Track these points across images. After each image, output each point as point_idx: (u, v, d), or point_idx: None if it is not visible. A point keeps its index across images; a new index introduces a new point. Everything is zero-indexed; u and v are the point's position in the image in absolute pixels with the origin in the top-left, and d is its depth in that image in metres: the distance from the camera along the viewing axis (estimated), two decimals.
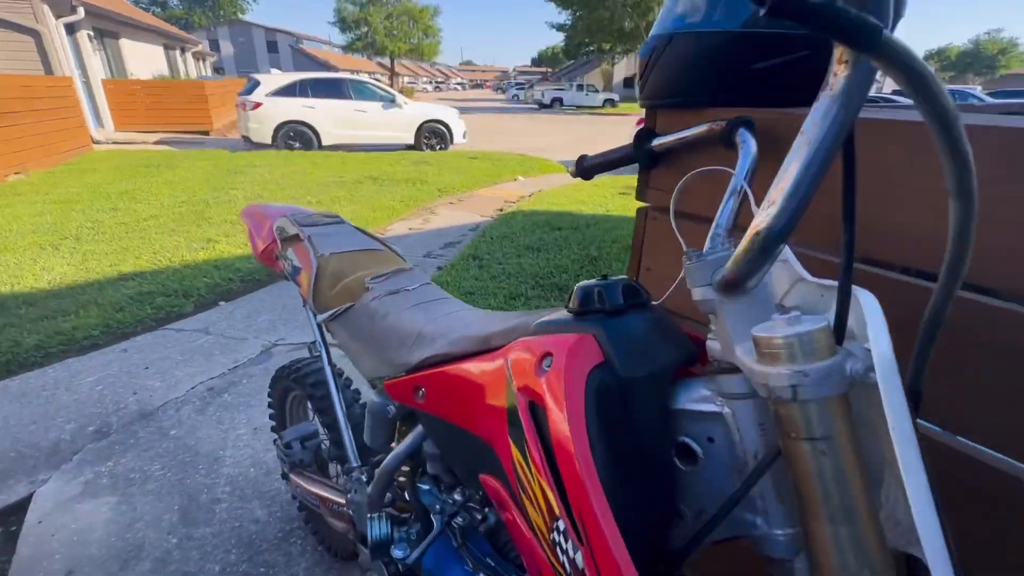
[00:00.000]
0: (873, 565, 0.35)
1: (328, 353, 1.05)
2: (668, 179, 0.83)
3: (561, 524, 0.45)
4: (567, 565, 0.44)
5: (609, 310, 0.55)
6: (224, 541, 1.50)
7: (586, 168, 0.86)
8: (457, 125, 9.95)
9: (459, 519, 0.74)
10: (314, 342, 1.05)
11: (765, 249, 0.34)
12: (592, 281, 0.59)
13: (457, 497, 0.77)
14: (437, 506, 0.77)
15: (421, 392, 0.74)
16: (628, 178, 7.85)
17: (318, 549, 1.49)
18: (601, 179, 7.65)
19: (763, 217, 0.34)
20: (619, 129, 15.35)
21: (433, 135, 9.80)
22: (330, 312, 0.90)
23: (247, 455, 1.86)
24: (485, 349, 0.67)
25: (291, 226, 1.08)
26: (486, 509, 0.76)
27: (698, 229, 0.83)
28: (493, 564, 0.69)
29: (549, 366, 0.53)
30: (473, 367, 0.66)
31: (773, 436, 0.47)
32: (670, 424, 0.52)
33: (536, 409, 0.53)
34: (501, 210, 5.68)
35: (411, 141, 9.68)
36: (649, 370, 0.51)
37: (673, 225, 0.64)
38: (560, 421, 0.48)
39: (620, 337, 0.53)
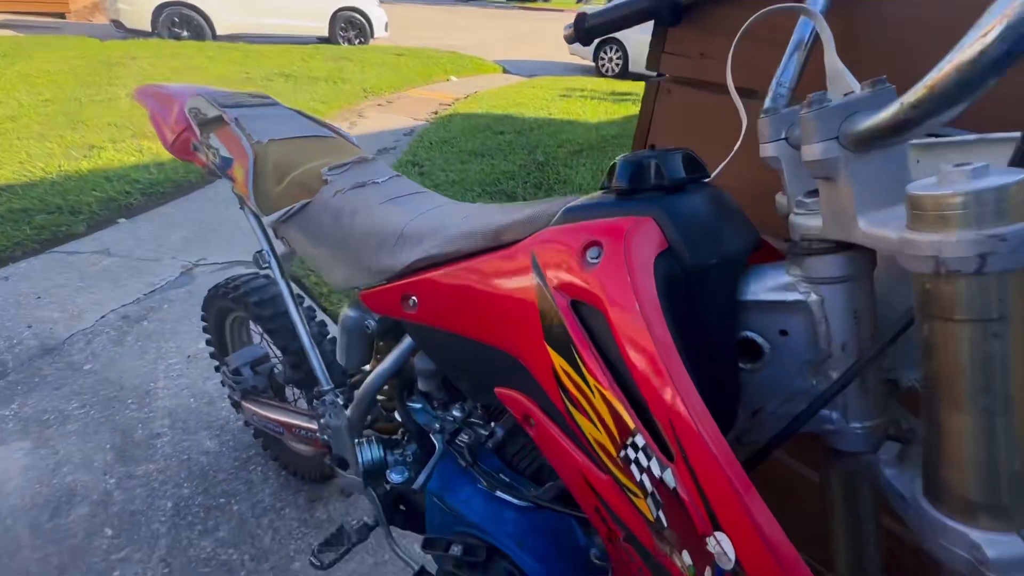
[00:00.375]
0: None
1: (280, 263, 0.88)
2: (691, 41, 0.70)
3: (639, 439, 0.38)
4: (647, 483, 0.38)
5: (668, 187, 0.44)
6: (172, 476, 1.38)
7: (588, 28, 0.71)
8: (377, 16, 8.79)
9: (464, 437, 0.67)
10: (261, 251, 0.88)
11: (982, 78, 0.25)
12: (640, 153, 0.47)
13: (456, 414, 0.70)
14: (436, 425, 0.69)
15: (412, 301, 0.62)
16: (569, 79, 7.48)
17: (282, 474, 1.41)
18: (540, 81, 7.24)
19: (983, 36, 0.24)
20: (558, 27, 14.38)
21: (351, 26, 8.64)
22: (281, 212, 0.73)
23: (183, 385, 1.68)
24: (495, 246, 0.55)
25: (209, 106, 0.85)
26: (492, 424, 0.69)
27: (715, 102, 0.72)
28: (508, 480, 0.63)
29: (598, 257, 0.43)
30: (482, 267, 0.55)
31: (868, 323, 0.41)
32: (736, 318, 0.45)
33: (583, 309, 0.44)
34: (436, 113, 5.24)
35: (325, 33, 8.49)
36: (720, 257, 0.43)
37: (730, 86, 0.53)
38: (628, 321, 0.39)
39: (685, 219, 0.43)
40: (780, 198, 0.50)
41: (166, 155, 3.49)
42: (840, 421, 0.43)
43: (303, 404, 1.37)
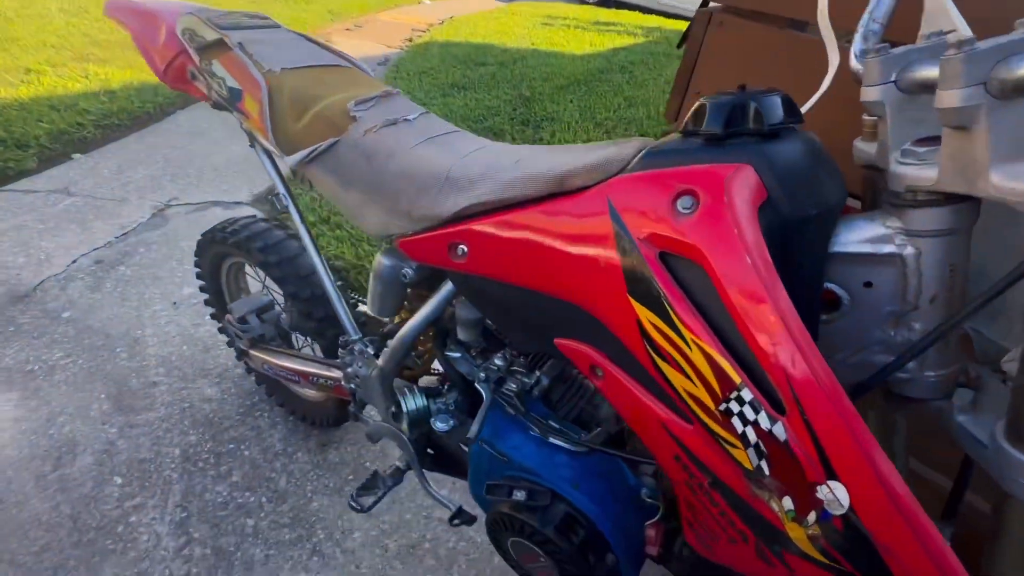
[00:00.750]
0: None
1: (298, 207, 0.82)
2: None
3: (746, 394, 0.38)
4: (751, 435, 0.39)
5: (767, 133, 0.42)
6: (176, 424, 1.36)
7: None
8: None
9: (511, 386, 0.67)
10: (278, 194, 0.82)
11: None
12: (730, 94, 0.45)
13: (499, 362, 0.69)
14: (481, 375, 0.68)
15: (461, 250, 0.59)
16: (549, 6, 7.03)
17: (289, 419, 1.40)
18: (519, 7, 6.78)
19: None
20: None
21: None
22: (305, 153, 0.67)
23: (174, 332, 1.62)
24: (559, 192, 0.53)
25: (206, 28, 0.75)
26: (537, 372, 0.69)
27: (777, 37, 0.68)
28: (559, 426, 0.64)
29: (693, 207, 0.41)
30: (547, 215, 0.52)
31: (961, 276, 0.41)
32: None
33: (674, 262, 0.43)
34: (411, 40, 4.89)
35: None
36: (819, 208, 0.42)
37: (824, 21, 0.49)
38: (737, 275, 0.38)
39: (785, 167, 0.41)
40: (862, 145, 0.49)
41: (115, 82, 3.17)
42: (915, 369, 0.45)
43: (308, 350, 1.35)
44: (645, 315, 0.44)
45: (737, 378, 0.38)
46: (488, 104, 3.41)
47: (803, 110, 0.52)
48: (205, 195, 2.32)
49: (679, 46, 0.84)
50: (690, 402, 0.42)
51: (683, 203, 0.42)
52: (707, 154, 0.43)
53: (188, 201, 2.26)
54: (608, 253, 0.46)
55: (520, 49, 4.68)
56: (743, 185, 0.40)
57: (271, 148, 0.71)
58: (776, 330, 0.36)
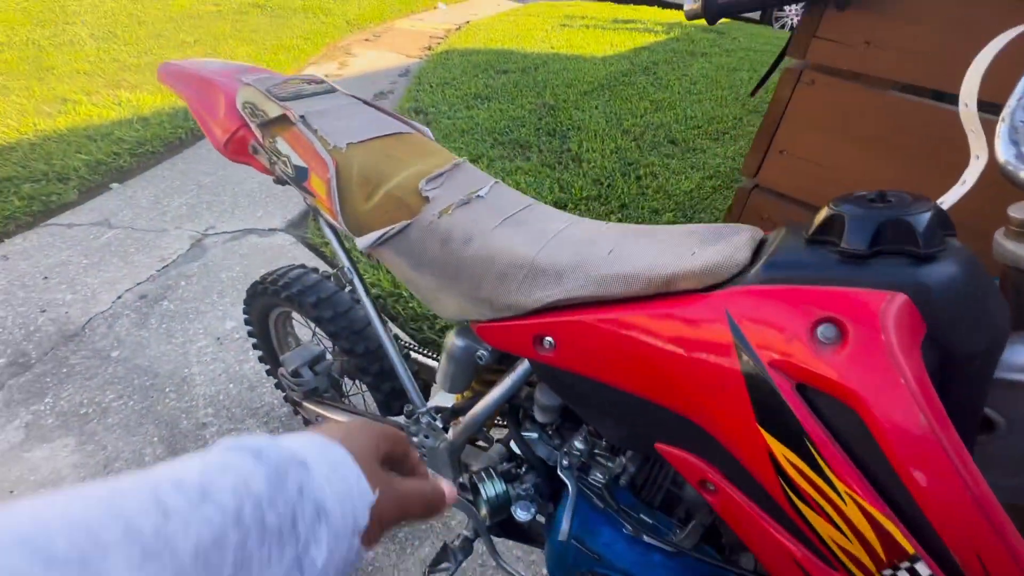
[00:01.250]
0: None
1: (363, 282, 0.80)
2: (853, 27, 0.60)
3: (922, 568, 0.34)
4: None
5: (924, 255, 0.38)
6: None
7: (721, 6, 0.60)
8: None
9: (597, 476, 0.64)
10: (342, 268, 0.80)
11: None
12: (866, 201, 0.40)
13: (580, 446, 0.66)
14: (564, 461, 0.65)
15: (547, 342, 0.56)
16: (566, 5, 6.96)
17: None
18: (536, 7, 6.72)
19: None
20: None
21: None
22: (377, 236, 0.64)
23: (219, 370, 1.63)
24: (664, 293, 0.49)
25: (266, 101, 0.73)
26: (621, 458, 0.65)
27: (875, 99, 0.63)
28: (652, 521, 0.61)
29: (837, 338, 0.37)
30: (651, 317, 0.49)
31: None
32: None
33: (815, 397, 0.39)
34: (429, 48, 4.88)
35: None
36: (987, 343, 0.37)
37: (969, 109, 0.44)
38: (902, 428, 0.34)
39: (946, 297, 0.37)
40: (1008, 243, 0.44)
41: (146, 108, 3.22)
42: None
43: (358, 393, 1.34)
44: (780, 450, 0.40)
45: (910, 548, 0.34)
46: (512, 115, 3.37)
47: (945, 201, 0.48)
48: (240, 223, 2.33)
49: (752, 94, 0.79)
50: (840, 555, 0.38)
51: (824, 331, 0.38)
52: (848, 274, 0.39)
53: (224, 230, 2.27)
54: (729, 373, 0.43)
55: (540, 53, 4.63)
56: (900, 318, 0.36)
57: (341, 228, 0.69)
58: (960, 501, 0.32)
